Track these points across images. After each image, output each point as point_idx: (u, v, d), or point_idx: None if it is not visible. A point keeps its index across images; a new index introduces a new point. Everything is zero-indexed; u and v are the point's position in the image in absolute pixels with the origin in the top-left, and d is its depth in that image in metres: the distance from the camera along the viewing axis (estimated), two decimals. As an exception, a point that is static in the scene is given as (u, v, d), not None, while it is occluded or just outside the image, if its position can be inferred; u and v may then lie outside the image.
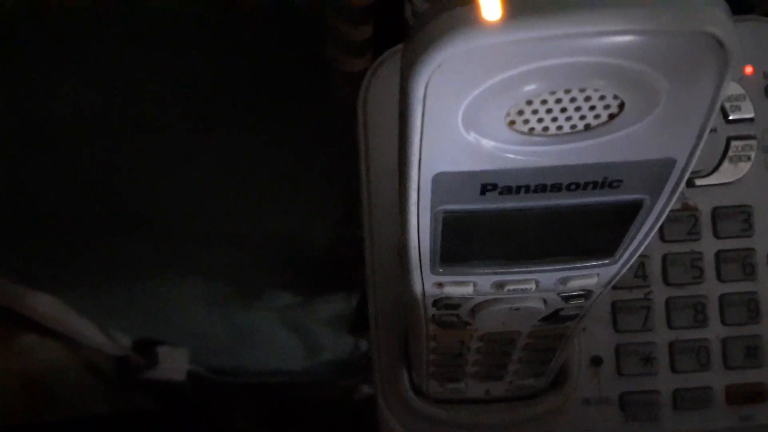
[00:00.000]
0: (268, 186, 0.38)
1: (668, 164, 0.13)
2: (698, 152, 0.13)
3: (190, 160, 0.36)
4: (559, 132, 0.13)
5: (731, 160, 0.26)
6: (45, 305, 0.41)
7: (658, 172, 0.14)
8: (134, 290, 0.42)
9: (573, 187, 0.14)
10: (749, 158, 0.26)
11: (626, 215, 0.15)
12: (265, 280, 0.44)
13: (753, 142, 0.26)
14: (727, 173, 0.26)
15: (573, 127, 0.13)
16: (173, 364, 0.44)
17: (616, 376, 0.26)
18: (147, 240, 0.38)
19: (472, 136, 0.13)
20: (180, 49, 0.32)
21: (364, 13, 0.25)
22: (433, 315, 0.20)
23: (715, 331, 0.26)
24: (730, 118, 0.26)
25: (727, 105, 0.26)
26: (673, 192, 0.14)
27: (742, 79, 0.26)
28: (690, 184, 0.26)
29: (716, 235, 0.26)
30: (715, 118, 0.13)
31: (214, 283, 0.43)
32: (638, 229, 0.15)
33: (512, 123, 0.13)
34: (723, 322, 0.26)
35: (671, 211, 0.26)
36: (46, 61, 0.33)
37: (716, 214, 0.26)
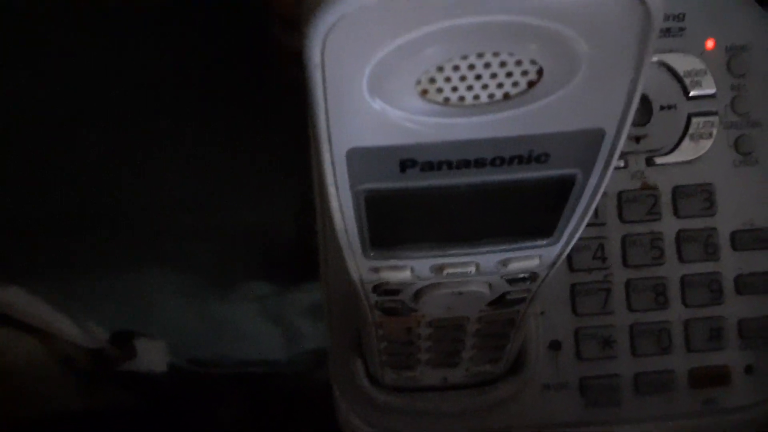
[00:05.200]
0: (235, 176, 0.37)
1: (597, 135, 0.13)
2: (629, 121, 0.12)
3: (155, 152, 0.35)
4: (476, 102, 0.12)
5: (692, 137, 0.25)
6: (17, 299, 0.40)
7: (587, 144, 0.13)
8: (108, 283, 0.41)
9: (498, 162, 0.13)
10: (711, 135, 0.25)
11: (559, 192, 0.14)
12: (240, 270, 0.44)
13: (714, 119, 0.25)
14: (688, 151, 0.25)
15: (491, 96, 0.12)
16: (152, 356, 0.43)
17: (575, 360, 0.25)
18: (119, 233, 0.38)
19: (381, 107, 0.12)
20: (133, 40, 0.32)
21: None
22: (376, 302, 0.19)
23: (676, 313, 0.25)
24: (691, 94, 0.25)
25: (688, 81, 0.25)
26: (606, 166, 0.13)
27: (703, 54, 0.25)
28: (650, 162, 0.25)
29: (677, 214, 0.25)
30: (644, 84, 0.12)
31: (189, 274, 0.43)
32: (575, 207, 0.15)
33: (425, 92, 0.12)
34: (685, 303, 0.25)
35: (630, 190, 0.25)
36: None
37: (677, 193, 0.25)
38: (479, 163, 0.13)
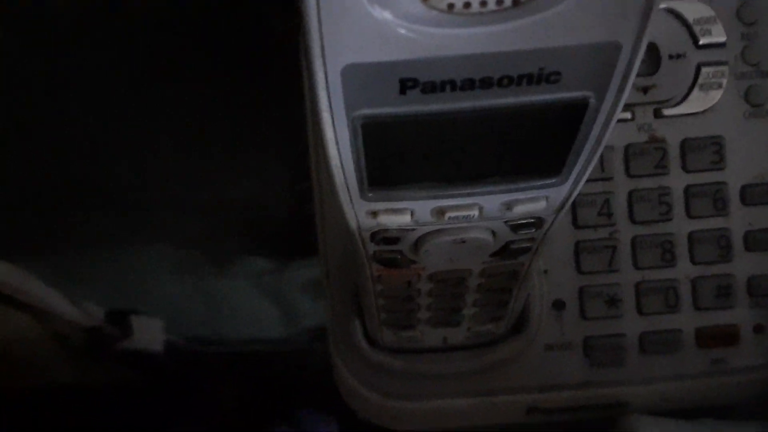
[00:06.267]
0: (231, 151, 0.36)
1: (613, 50, 0.12)
2: (646, 37, 0.12)
3: (150, 128, 0.35)
4: (483, 10, 0.11)
5: (701, 88, 0.24)
6: (11, 276, 0.39)
7: (601, 61, 0.12)
8: (104, 260, 0.41)
9: (505, 82, 0.12)
10: (720, 86, 0.24)
11: (570, 119, 0.13)
12: (237, 246, 0.43)
13: (724, 69, 0.24)
14: (698, 102, 0.24)
15: (499, 3, 0.11)
16: (149, 334, 0.43)
17: (579, 320, 0.25)
18: (114, 210, 0.37)
19: (380, 16, 0.11)
20: (123, 16, 0.31)
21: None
22: (374, 252, 0.18)
23: (684, 270, 0.24)
24: (701, 43, 0.24)
25: (697, 29, 0.24)
26: (621, 89, 0.12)
27: (712, 1, 0.24)
28: (658, 114, 0.24)
29: (685, 168, 0.24)
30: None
31: (185, 250, 0.42)
32: (585, 139, 0.14)
33: (427, -2, 0.11)
34: (692, 261, 0.24)
35: (637, 143, 0.24)
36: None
37: (685, 146, 0.24)
38: (485, 83, 0.12)
